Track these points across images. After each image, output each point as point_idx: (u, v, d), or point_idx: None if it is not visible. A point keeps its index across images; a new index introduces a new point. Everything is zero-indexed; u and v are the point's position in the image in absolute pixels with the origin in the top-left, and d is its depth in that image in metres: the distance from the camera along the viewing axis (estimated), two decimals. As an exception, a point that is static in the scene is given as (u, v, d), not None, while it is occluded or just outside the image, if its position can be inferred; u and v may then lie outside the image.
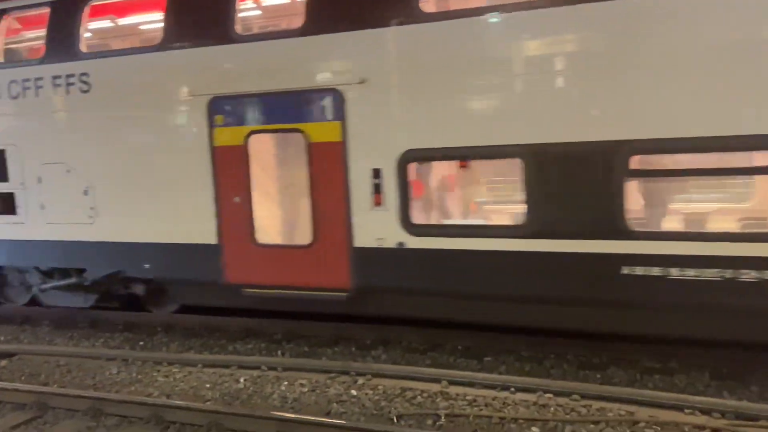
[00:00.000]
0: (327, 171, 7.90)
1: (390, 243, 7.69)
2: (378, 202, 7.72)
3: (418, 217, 7.92)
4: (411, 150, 7.51)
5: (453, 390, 6.73)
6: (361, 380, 7.13)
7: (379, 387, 6.91)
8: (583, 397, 6.35)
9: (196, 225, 8.66)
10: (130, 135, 9.03)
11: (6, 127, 9.80)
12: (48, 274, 10.08)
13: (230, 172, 8.42)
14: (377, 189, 7.70)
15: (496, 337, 8.01)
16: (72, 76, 9.18)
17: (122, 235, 9.17)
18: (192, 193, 8.65)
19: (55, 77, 9.30)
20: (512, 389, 6.65)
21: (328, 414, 6.37)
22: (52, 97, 9.38)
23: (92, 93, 9.07)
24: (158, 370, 7.90)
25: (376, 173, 7.66)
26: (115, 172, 9.13)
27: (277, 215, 9.00)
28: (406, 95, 7.52)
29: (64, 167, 9.40)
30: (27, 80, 9.49)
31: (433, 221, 8.64)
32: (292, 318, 8.98)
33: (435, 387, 6.84)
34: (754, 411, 5.81)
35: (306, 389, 7.01)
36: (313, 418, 6.07)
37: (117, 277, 9.41)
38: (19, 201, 9.80)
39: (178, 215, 8.80)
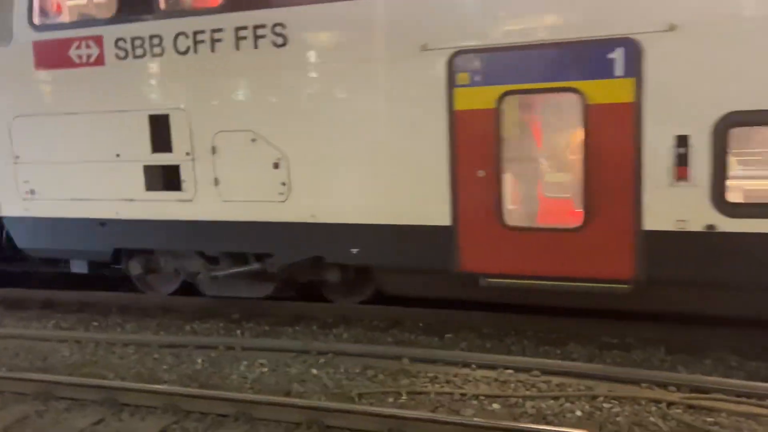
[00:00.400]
0: (610, 139, 6.59)
1: (695, 226, 6.42)
2: (682, 176, 6.41)
3: (736, 195, 6.72)
4: (735, 112, 6.19)
5: (414, 367, 6.72)
6: (322, 359, 7.06)
7: (341, 366, 6.85)
8: (544, 372, 6.41)
9: (424, 204, 7.33)
10: (336, 97, 7.58)
11: (170, 89, 8.25)
12: (213, 259, 8.74)
13: (475, 141, 7.03)
14: (682, 160, 6.37)
15: (456, 313, 8.02)
16: (262, 27, 7.64)
17: (323, 215, 7.74)
18: (419, 166, 7.28)
19: (240, 28, 7.74)
20: (473, 366, 6.66)
21: (288, 394, 6.29)
22: (234, 53, 7.81)
23: (289, 47, 7.57)
24: (113, 352, 7.69)
25: (682, 141, 6.35)
26: (315, 142, 7.64)
27: (534, 193, 7.77)
28: (733, 45, 6.13)
29: (248, 136, 7.87)
30: (201, 32, 7.91)
31: (761, 199, 6.98)
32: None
33: (396, 365, 6.81)
34: (708, 384, 5.94)
35: (266, 369, 6.91)
36: (273, 398, 5.97)
37: (306, 263, 8.12)
38: (185, 175, 8.22)
39: (399, 192, 7.41)
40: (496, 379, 6.37)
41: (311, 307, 8.63)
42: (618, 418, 5.52)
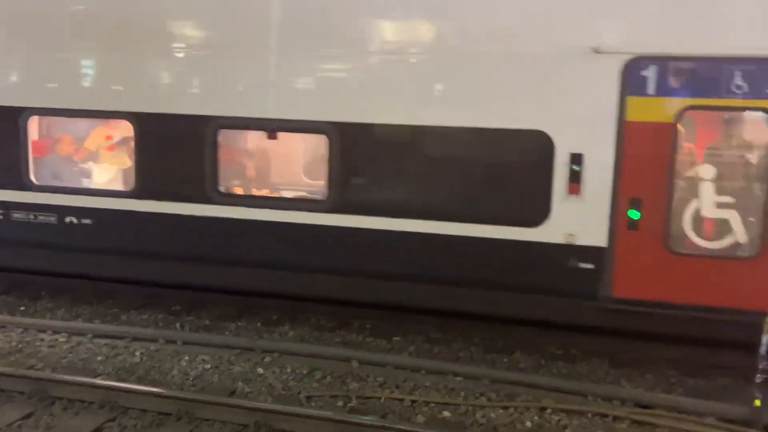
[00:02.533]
0: None
1: None
2: None
3: None
4: None
5: (363, 371, 6.61)
6: (268, 358, 6.86)
7: (288, 366, 6.67)
8: (493, 381, 6.43)
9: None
10: None
11: None
12: None
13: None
14: None
15: (404, 316, 7.93)
16: None
17: None
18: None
19: None
20: (423, 371, 6.61)
21: (233, 393, 6.07)
22: None
23: None
24: (42, 339, 7.25)
25: None
26: None
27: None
28: None
29: None
30: None
31: None
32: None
33: (345, 367, 6.69)
34: (651, 399, 6.10)
35: (209, 366, 6.66)
36: (219, 398, 5.74)
37: None
38: None
39: None
40: (445, 386, 6.33)
41: (255, 302, 8.37)
42: (566, 431, 5.59)
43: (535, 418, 5.79)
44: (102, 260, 8.08)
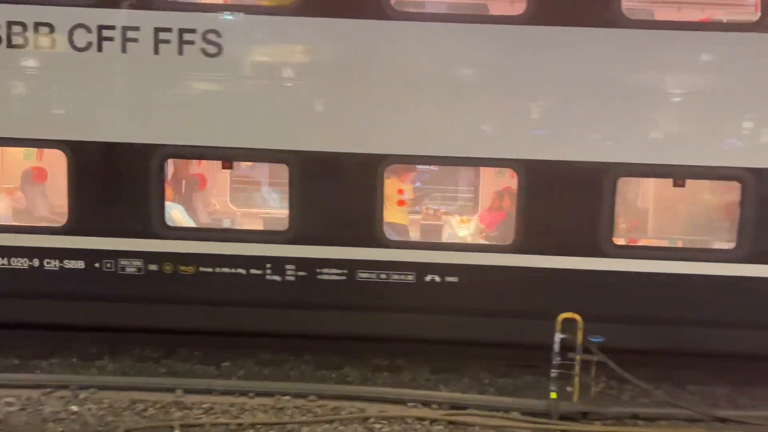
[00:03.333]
0: None
1: None
2: None
3: None
4: None
5: (189, 399, 6.43)
6: (83, 394, 6.45)
7: (105, 400, 6.32)
8: (320, 397, 6.55)
9: None
10: None
11: None
12: None
13: None
14: None
15: (234, 341, 7.84)
16: None
17: None
18: None
19: None
20: (251, 394, 6.58)
21: (42, 435, 5.65)
22: None
23: None
24: None
25: None
26: None
27: None
28: None
29: None
30: None
31: None
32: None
33: (169, 397, 6.47)
34: (465, 401, 6.56)
35: (14, 408, 6.13)
36: (22, 441, 5.32)
37: None
38: None
39: None
40: (273, 407, 6.35)
41: (72, 336, 7.82)
42: (387, 437, 5.86)
43: (359, 428, 5.99)
44: None
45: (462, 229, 8.61)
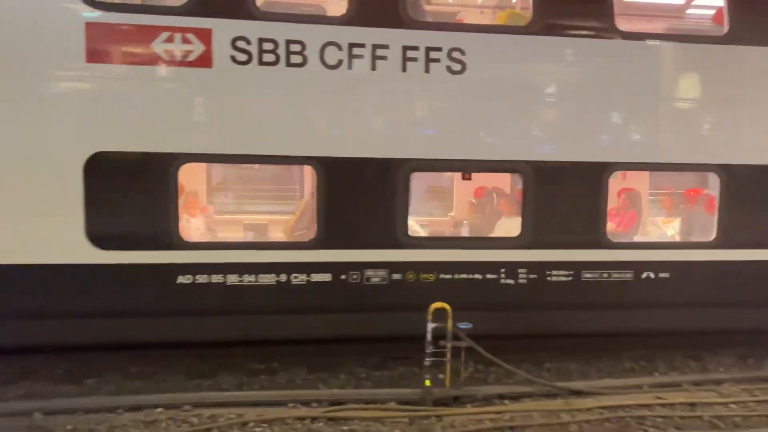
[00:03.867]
0: None
1: None
2: None
3: None
4: None
5: (49, 421, 6.03)
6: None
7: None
8: (195, 406, 6.39)
9: None
10: None
11: None
12: None
13: None
14: None
15: (98, 356, 7.42)
16: None
17: None
18: None
19: None
20: (120, 410, 6.29)
21: None
22: None
23: None
24: None
25: None
26: None
27: None
28: None
29: None
30: None
31: None
32: None
33: (25, 421, 6.02)
34: (344, 396, 6.69)
35: None
36: None
37: None
38: None
39: None
40: (143, 420, 6.12)
41: None
42: (267, 440, 5.85)
43: (239, 434, 5.94)
44: None
45: (669, 229, 9.66)
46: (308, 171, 8.72)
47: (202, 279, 6.92)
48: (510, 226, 8.17)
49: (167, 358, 7.53)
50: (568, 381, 7.35)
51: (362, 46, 6.87)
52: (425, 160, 7.33)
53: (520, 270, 7.46)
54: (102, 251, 6.71)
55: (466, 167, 7.79)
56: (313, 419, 6.20)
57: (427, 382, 6.62)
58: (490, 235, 8.87)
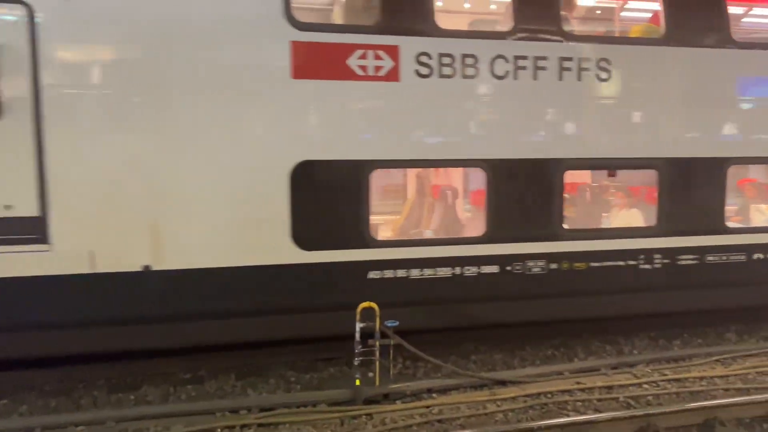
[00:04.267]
0: None
1: None
2: None
3: None
4: None
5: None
6: None
7: None
8: (118, 421, 6.20)
9: None
10: None
11: None
12: None
13: None
14: None
15: (10, 375, 7.04)
16: None
17: None
18: None
19: None
20: (38, 430, 6.01)
21: None
22: None
23: None
24: None
25: None
26: None
27: None
28: None
29: None
30: None
31: None
32: None
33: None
34: (273, 402, 6.64)
35: None
36: None
37: None
38: None
39: None
40: (64, 440, 5.88)
41: None
42: (196, 452, 5.73)
43: (166, 447, 5.79)
44: None
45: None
46: (411, 173, 10.19)
47: (388, 274, 7.34)
48: (647, 217, 9.00)
49: (86, 373, 7.24)
50: (493, 371, 7.59)
51: (525, 58, 7.53)
52: (577, 160, 8.05)
53: (656, 255, 8.43)
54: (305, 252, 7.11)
55: (611, 165, 8.60)
56: (243, 426, 6.13)
57: (358, 382, 6.68)
58: (629, 226, 9.53)
